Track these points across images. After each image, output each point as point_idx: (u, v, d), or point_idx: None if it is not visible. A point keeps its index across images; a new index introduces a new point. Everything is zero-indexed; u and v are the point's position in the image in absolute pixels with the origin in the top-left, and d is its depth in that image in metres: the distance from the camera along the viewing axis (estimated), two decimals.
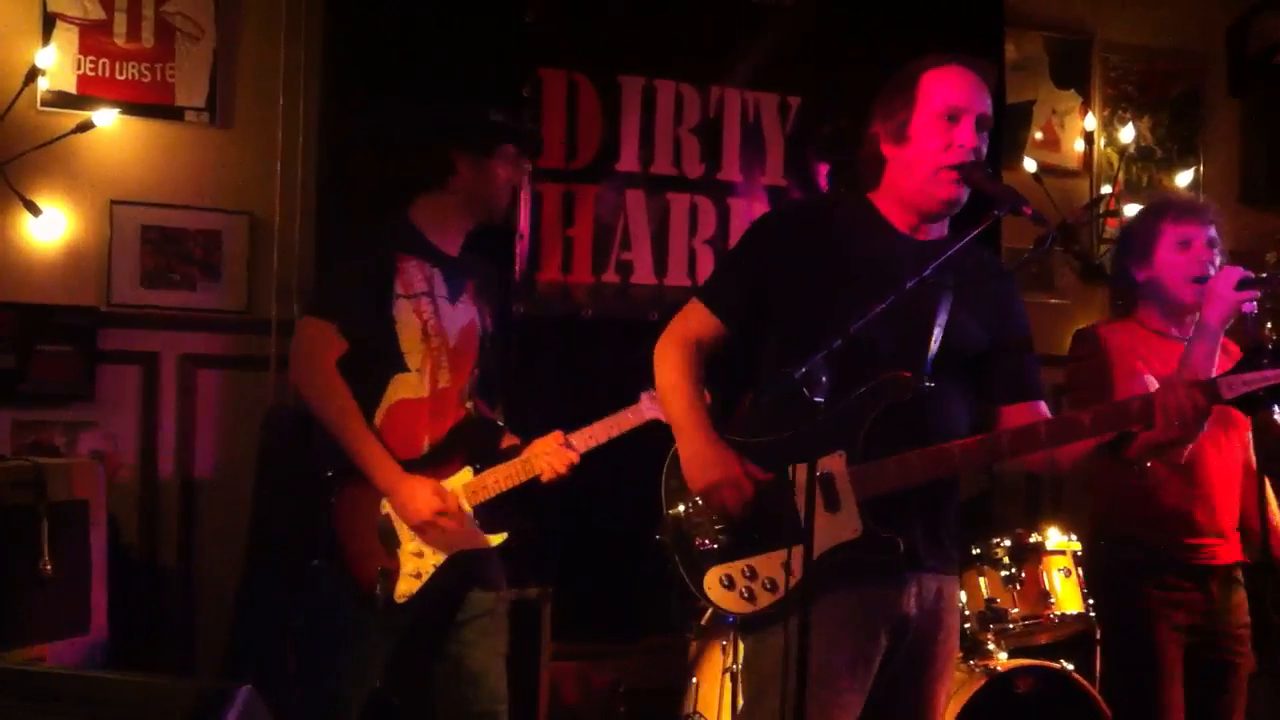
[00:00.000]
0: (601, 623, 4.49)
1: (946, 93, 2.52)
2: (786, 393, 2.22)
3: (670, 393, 2.63)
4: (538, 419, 3.76)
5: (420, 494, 3.10)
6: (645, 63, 4.77)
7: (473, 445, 3.26)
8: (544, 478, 3.24)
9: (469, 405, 3.31)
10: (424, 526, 3.10)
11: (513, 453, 3.29)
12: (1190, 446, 3.01)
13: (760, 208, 4.91)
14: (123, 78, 4.29)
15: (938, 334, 2.47)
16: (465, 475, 3.22)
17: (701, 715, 3.97)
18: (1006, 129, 5.35)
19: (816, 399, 2.16)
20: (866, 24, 4.88)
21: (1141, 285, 3.32)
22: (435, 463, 3.20)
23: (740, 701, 3.27)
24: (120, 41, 4.29)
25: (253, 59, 4.47)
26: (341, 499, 3.12)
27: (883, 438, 2.45)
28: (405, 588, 3.12)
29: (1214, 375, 2.63)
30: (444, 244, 3.28)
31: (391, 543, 3.12)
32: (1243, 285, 2.90)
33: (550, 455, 3.23)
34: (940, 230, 2.63)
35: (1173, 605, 3.24)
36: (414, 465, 3.15)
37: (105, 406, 4.28)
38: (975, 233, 2.44)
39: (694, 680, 4.02)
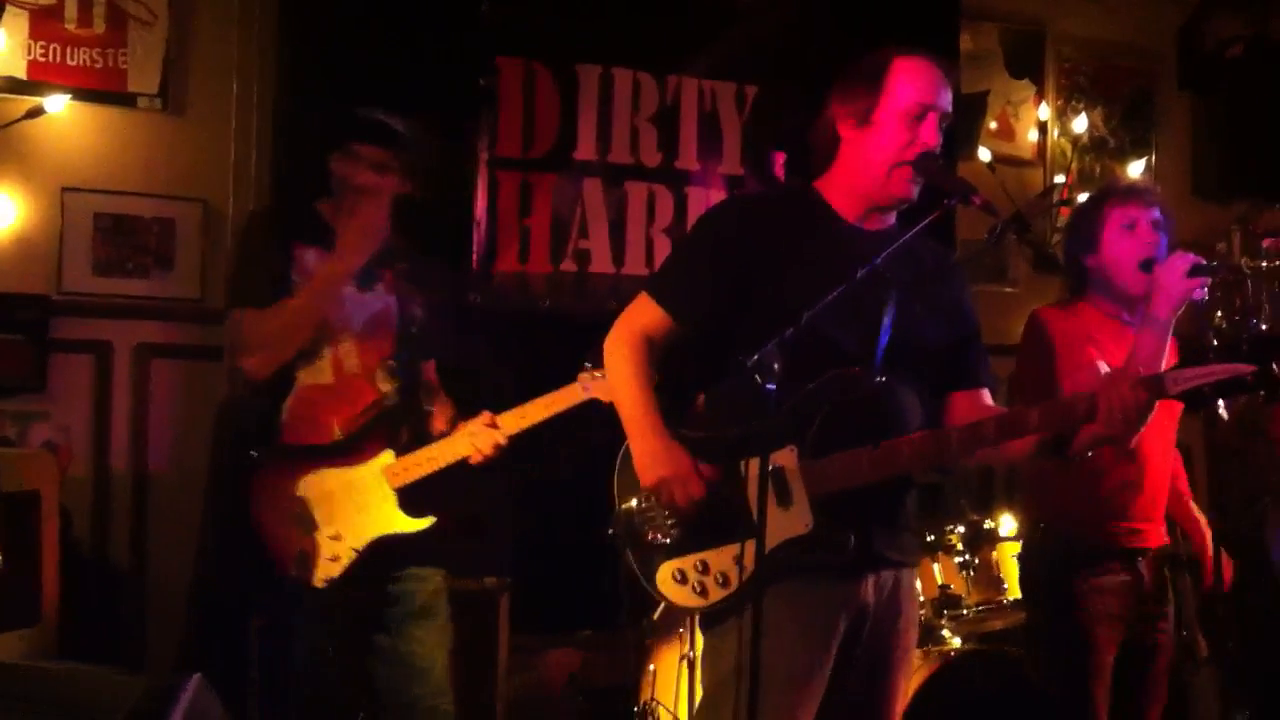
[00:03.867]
0: (559, 614, 4.49)
1: (915, 88, 2.50)
2: (740, 383, 2.23)
3: (621, 388, 2.61)
4: (494, 409, 3.76)
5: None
6: (602, 51, 4.78)
7: (391, 428, 3.22)
8: (471, 460, 3.19)
9: (385, 389, 3.26)
10: (324, 513, 3.10)
11: (444, 435, 3.25)
12: (1137, 435, 3.04)
13: (718, 197, 4.93)
14: (74, 63, 4.24)
15: (887, 325, 2.47)
16: (385, 458, 3.18)
17: (659, 703, 3.98)
18: (961, 119, 5.39)
19: (768, 386, 2.17)
20: (823, 14, 4.90)
21: (1091, 271, 3.34)
22: (351, 447, 3.17)
23: (699, 692, 3.28)
24: (71, 27, 4.23)
25: (206, 45, 4.43)
26: (260, 482, 3.10)
27: (836, 432, 2.45)
28: (324, 572, 3.07)
29: (1161, 369, 2.64)
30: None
31: (307, 526, 3.08)
32: (1194, 272, 2.84)
33: (476, 436, 3.18)
34: (888, 220, 2.63)
35: (1106, 589, 3.27)
36: (327, 451, 3.12)
37: (57, 397, 4.23)
38: (925, 223, 2.46)
39: (651, 668, 4.04)
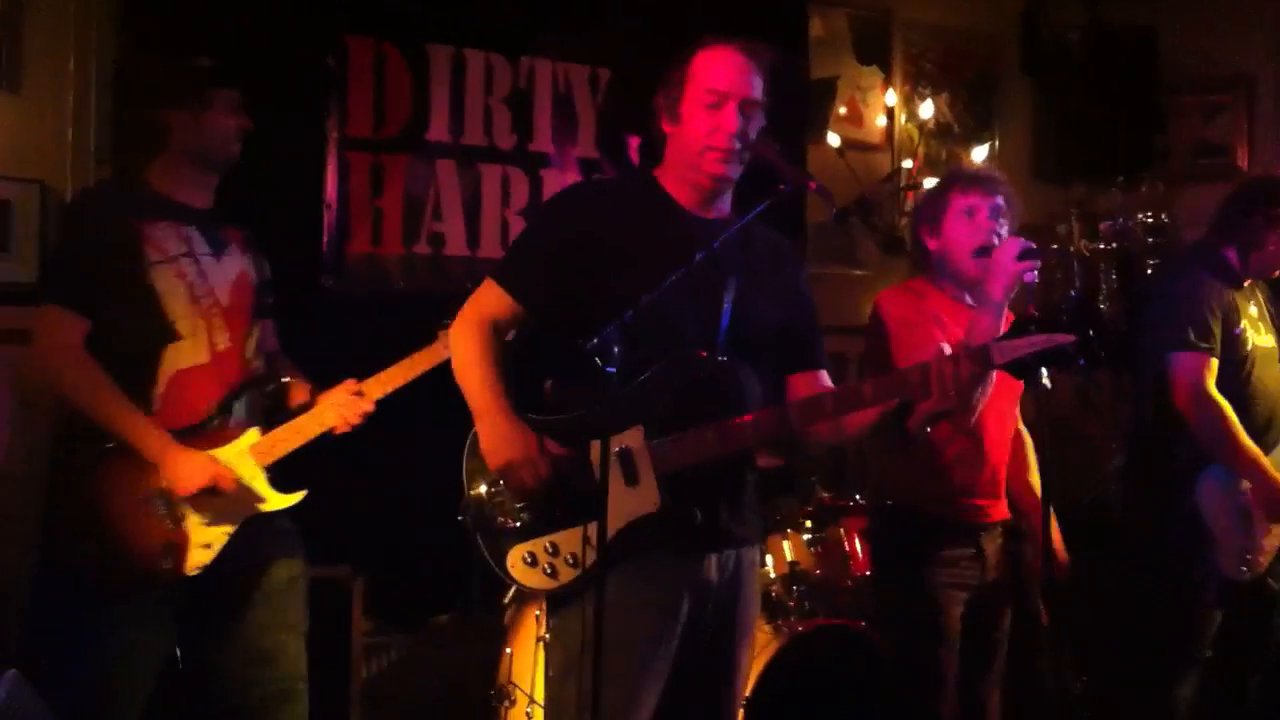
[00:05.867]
0: (415, 599, 4.47)
1: (710, 76, 2.59)
2: (585, 367, 2.26)
3: (467, 373, 2.64)
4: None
5: (189, 465, 2.99)
6: (453, 32, 4.73)
7: (258, 403, 3.18)
8: (337, 430, 3.19)
9: (255, 363, 3.23)
10: (196, 500, 3.01)
11: (305, 408, 3.22)
12: (979, 410, 3.17)
13: (573, 180, 4.93)
14: None
15: (727, 309, 2.54)
16: (252, 436, 3.14)
17: (516, 685, 4.00)
18: (811, 104, 5.49)
19: (609, 369, 2.21)
20: None
21: (933, 254, 3.46)
22: (217, 427, 3.11)
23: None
24: None
25: (40, 19, 4.24)
26: (110, 472, 3.00)
27: (681, 412, 2.52)
28: (197, 559, 3.02)
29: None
30: (193, 200, 3.18)
31: (175, 514, 3.01)
32: (1023, 256, 3.01)
33: (342, 406, 3.18)
34: (724, 208, 2.70)
35: (951, 562, 3.40)
36: (194, 432, 3.05)
37: None
38: (761, 208, 2.54)
39: (508, 650, 4.05)
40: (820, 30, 5.64)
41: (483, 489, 2.62)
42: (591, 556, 2.48)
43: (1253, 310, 3.87)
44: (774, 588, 4.05)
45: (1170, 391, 3.76)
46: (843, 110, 5.70)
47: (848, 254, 5.65)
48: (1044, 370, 2.49)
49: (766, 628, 3.86)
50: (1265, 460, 3.74)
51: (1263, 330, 3.88)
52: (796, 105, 5.28)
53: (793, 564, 4.09)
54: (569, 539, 2.54)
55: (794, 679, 3.78)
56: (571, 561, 2.54)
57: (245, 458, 3.11)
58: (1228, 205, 3.95)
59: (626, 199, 2.71)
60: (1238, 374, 3.78)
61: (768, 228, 2.72)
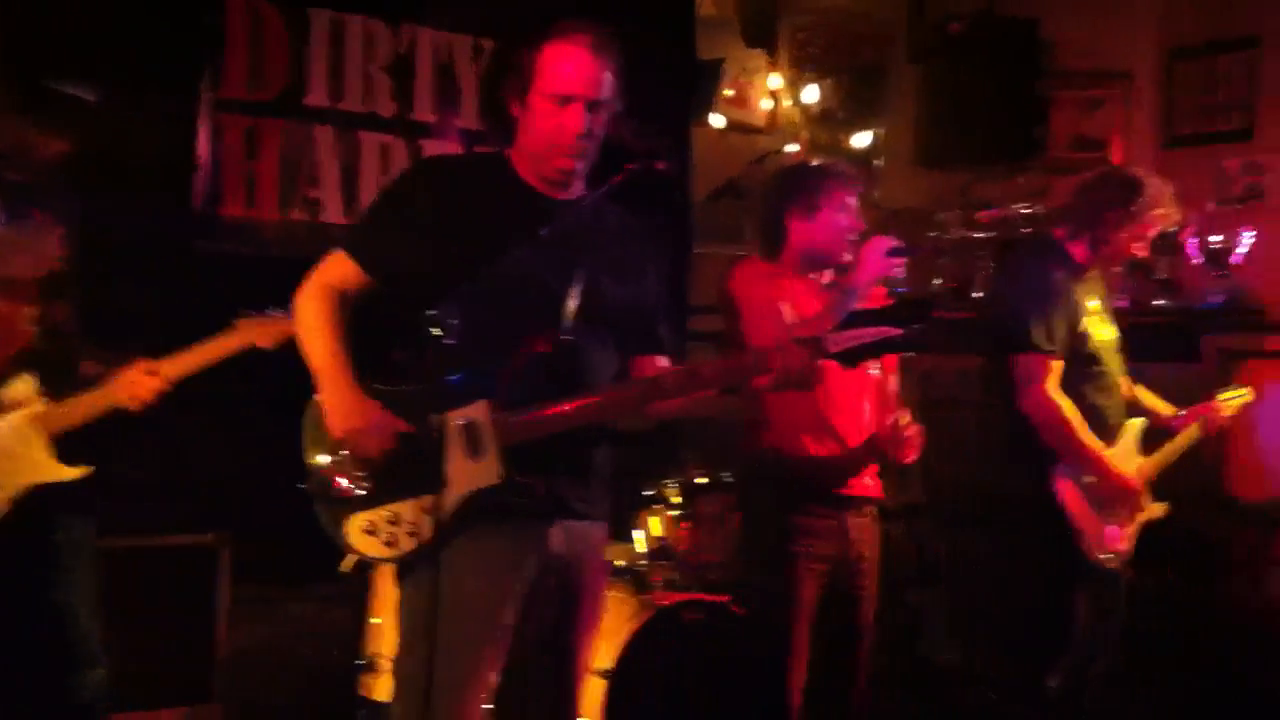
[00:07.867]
0: (282, 566, 4.43)
1: (558, 77, 2.56)
2: (432, 340, 2.28)
3: (310, 340, 2.63)
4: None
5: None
6: None
7: (43, 373, 3.16)
8: (130, 407, 3.16)
9: (36, 330, 3.18)
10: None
11: (96, 381, 3.20)
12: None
13: (454, 150, 4.90)
14: None
15: (576, 287, 2.56)
16: (35, 406, 3.13)
17: (382, 654, 3.98)
18: (697, 85, 5.51)
19: (448, 341, 2.22)
20: None
21: (793, 231, 3.57)
22: None
23: None
24: None
25: None
26: None
27: (528, 387, 2.53)
28: None
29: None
30: (6, 170, 3.18)
31: None
32: (892, 253, 3.33)
33: (134, 384, 3.16)
34: (578, 188, 2.71)
35: (812, 531, 3.51)
36: None
37: None
38: (606, 188, 2.57)
39: (374, 620, 4.04)
40: (709, 9, 5.66)
41: (324, 459, 2.61)
42: (432, 527, 2.49)
43: (1094, 303, 3.82)
44: (641, 563, 4.09)
45: (1012, 391, 3.71)
46: (730, 92, 5.72)
47: (733, 233, 5.68)
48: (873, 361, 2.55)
49: (632, 601, 3.89)
50: (1107, 456, 3.72)
51: (1105, 323, 3.85)
52: (688, 83, 5.30)
53: (661, 539, 4.13)
54: (410, 509, 2.54)
55: (657, 652, 3.81)
56: (412, 532, 2.54)
57: (30, 426, 3.10)
58: (1079, 197, 3.88)
59: (476, 176, 2.71)
60: (1086, 368, 3.75)
61: (621, 208, 2.74)
